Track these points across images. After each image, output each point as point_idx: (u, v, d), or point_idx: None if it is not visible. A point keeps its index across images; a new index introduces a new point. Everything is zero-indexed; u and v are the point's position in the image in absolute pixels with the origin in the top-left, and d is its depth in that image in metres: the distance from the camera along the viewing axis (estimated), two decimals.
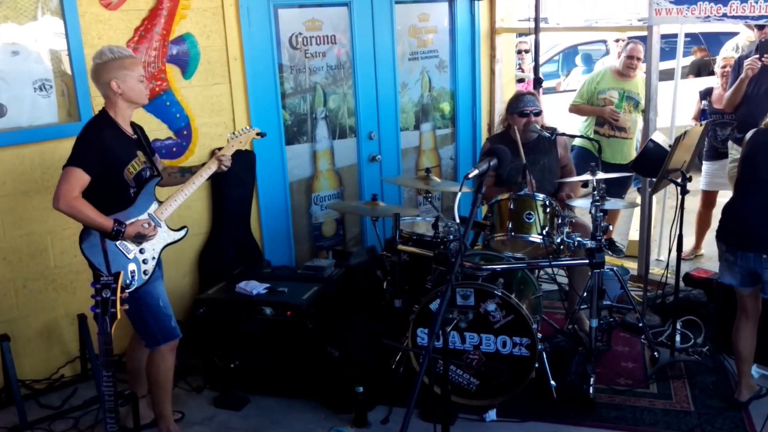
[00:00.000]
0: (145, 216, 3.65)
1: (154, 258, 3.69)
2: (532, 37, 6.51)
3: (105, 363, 2.98)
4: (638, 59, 6.32)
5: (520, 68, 8.43)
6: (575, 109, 6.64)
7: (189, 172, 3.95)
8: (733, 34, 8.41)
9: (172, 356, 3.87)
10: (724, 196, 6.53)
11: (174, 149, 4.97)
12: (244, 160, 5.19)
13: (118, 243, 3.55)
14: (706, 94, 6.32)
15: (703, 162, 6.36)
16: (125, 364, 4.18)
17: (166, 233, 3.76)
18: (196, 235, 5.18)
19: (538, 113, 4.93)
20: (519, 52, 8.26)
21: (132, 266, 3.57)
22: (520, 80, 8.18)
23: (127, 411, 3.90)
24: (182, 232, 3.84)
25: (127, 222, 3.55)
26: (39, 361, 4.63)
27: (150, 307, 3.70)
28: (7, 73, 4.29)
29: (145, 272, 3.64)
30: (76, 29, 4.43)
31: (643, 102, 6.14)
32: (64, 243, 4.53)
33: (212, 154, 4.98)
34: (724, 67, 6.11)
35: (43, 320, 4.62)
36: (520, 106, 4.92)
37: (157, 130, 4.85)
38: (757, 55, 5.64)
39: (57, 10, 4.38)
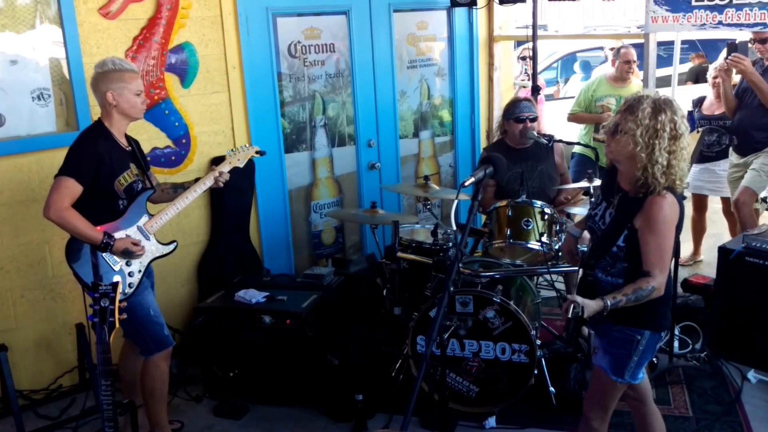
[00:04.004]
0: (134, 229, 3.65)
1: (140, 271, 3.69)
2: (543, 42, 6.51)
3: (104, 372, 2.98)
4: (633, 62, 6.38)
5: (527, 74, 8.41)
6: (573, 117, 6.68)
7: (182, 188, 3.94)
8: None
9: (165, 365, 3.87)
10: (717, 202, 6.57)
11: (173, 158, 4.97)
12: (244, 168, 5.13)
13: (105, 255, 3.55)
14: (698, 102, 6.33)
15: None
16: (120, 374, 4.18)
17: (154, 246, 3.76)
18: (195, 243, 5.19)
19: (534, 119, 4.94)
20: (524, 58, 8.23)
21: (117, 278, 3.55)
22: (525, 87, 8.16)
23: (125, 420, 3.90)
24: (171, 246, 3.84)
25: (116, 235, 3.56)
26: (37, 371, 4.62)
27: (140, 317, 3.70)
28: (5, 82, 4.30)
29: (130, 285, 3.64)
30: (75, 38, 4.45)
31: None
32: (62, 252, 4.51)
33: (211, 162, 5.03)
34: (715, 77, 6.13)
35: (41, 330, 4.61)
36: (516, 112, 4.92)
37: (156, 138, 4.86)
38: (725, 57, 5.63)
39: (55, 19, 4.39)
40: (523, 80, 7.85)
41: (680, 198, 3.04)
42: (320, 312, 4.58)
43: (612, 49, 7.76)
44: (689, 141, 3.01)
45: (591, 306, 2.93)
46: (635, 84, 6.39)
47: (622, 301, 2.95)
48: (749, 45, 5.75)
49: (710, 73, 6.17)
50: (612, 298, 2.94)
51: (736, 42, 5.39)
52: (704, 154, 6.13)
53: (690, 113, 6.15)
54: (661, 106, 2.92)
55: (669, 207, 2.96)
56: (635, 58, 6.36)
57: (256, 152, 4.11)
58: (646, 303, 3.00)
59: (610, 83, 6.48)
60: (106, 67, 3.58)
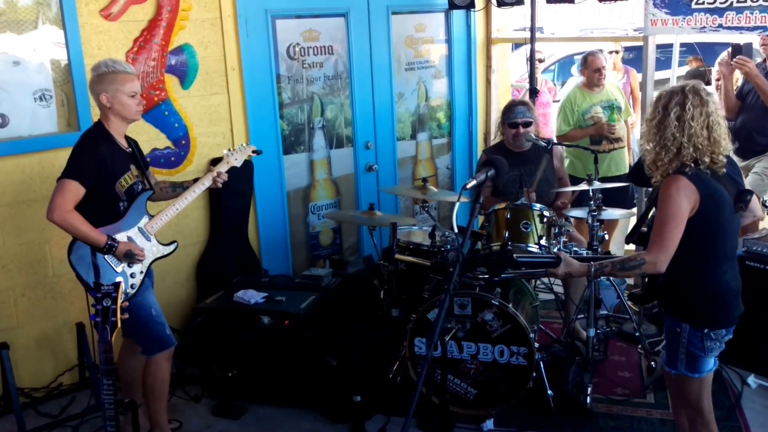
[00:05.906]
0: (135, 230, 3.67)
1: (142, 272, 3.71)
2: (541, 45, 6.40)
3: (106, 371, 2.99)
4: (603, 68, 6.14)
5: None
6: (566, 137, 6.08)
7: (181, 187, 3.97)
8: (729, 45, 8.44)
9: (167, 364, 3.89)
10: None
11: (172, 159, 4.99)
12: (242, 169, 5.15)
13: (106, 257, 3.57)
14: None
15: None
16: (119, 374, 4.18)
17: (155, 247, 3.78)
18: (194, 244, 5.20)
19: (528, 124, 4.94)
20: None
21: (119, 279, 3.56)
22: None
23: (126, 420, 3.91)
24: (171, 247, 3.86)
25: (117, 237, 3.57)
26: (37, 369, 4.63)
27: (143, 317, 3.72)
28: (7, 83, 4.31)
29: (132, 285, 3.66)
30: (77, 40, 4.46)
31: (623, 104, 6.17)
32: (63, 252, 4.47)
33: (210, 163, 5.04)
34: (718, 79, 6.12)
35: (42, 329, 4.62)
36: (510, 117, 4.93)
37: (155, 139, 4.87)
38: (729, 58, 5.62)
39: (57, 20, 4.40)
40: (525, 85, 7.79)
41: (697, 179, 2.98)
42: (319, 313, 4.59)
43: (611, 52, 7.75)
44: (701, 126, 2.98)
45: (574, 266, 2.96)
46: (609, 84, 6.24)
47: (608, 268, 3.01)
48: (759, 38, 5.72)
49: (714, 76, 6.14)
50: (599, 264, 2.99)
51: (741, 44, 5.39)
52: None
53: None
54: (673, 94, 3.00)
55: (675, 187, 2.96)
56: (604, 63, 6.18)
57: (253, 151, 4.13)
58: (686, 296, 3.07)
59: (588, 92, 6.18)
60: (101, 69, 3.59)
